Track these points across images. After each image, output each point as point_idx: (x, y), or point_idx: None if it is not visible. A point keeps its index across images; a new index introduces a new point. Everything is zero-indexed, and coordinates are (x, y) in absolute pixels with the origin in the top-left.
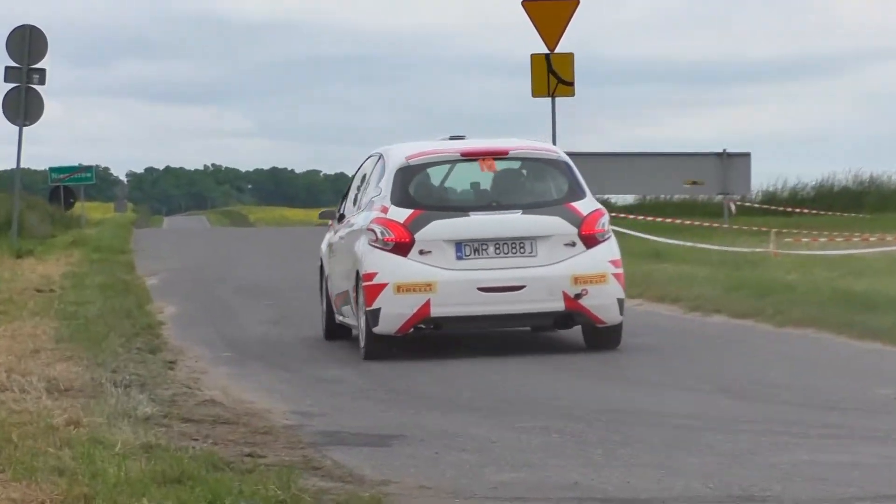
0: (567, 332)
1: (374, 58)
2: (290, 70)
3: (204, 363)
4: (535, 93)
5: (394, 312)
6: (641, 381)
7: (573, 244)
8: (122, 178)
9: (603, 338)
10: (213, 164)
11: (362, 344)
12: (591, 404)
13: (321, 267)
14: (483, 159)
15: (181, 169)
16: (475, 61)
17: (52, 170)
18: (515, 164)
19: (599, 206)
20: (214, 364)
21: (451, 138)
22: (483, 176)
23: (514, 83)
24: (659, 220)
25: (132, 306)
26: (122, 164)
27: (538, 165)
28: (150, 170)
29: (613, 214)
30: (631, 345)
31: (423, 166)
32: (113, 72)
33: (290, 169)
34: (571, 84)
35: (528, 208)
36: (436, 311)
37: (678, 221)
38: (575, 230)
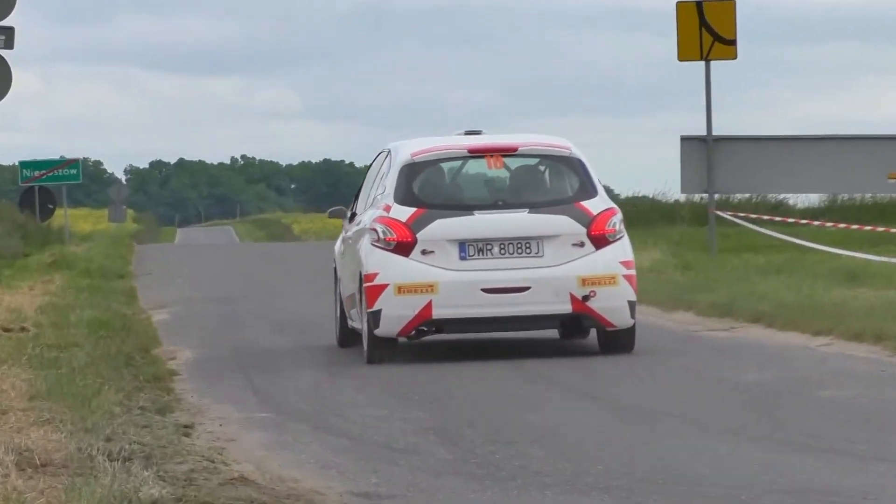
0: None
1: (465, 8)
2: (349, 27)
3: (231, 427)
4: (683, 55)
5: (395, 314)
6: (832, 450)
7: (582, 244)
8: (120, 175)
9: (615, 342)
10: (242, 157)
11: (365, 347)
12: (761, 484)
13: (335, 269)
14: (490, 156)
15: (200, 163)
16: (604, 13)
17: (24, 165)
18: (525, 161)
19: (612, 205)
20: (245, 428)
21: (467, 133)
22: (492, 173)
23: (657, 42)
24: (854, 227)
25: (133, 350)
26: (120, 157)
27: (548, 162)
28: (156, 164)
29: (793, 220)
30: (815, 400)
31: (428, 163)
32: (108, 31)
33: (347, 162)
34: (733, 43)
35: (536, 207)
36: (437, 313)
37: (881, 230)
38: (584, 230)
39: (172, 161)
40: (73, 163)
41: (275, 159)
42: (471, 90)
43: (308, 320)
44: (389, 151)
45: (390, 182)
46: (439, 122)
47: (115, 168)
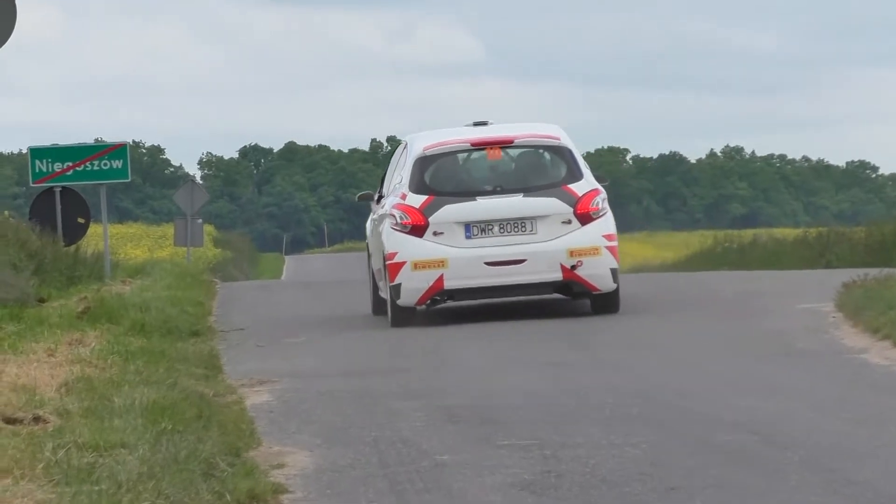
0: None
1: None
2: None
3: None
4: None
5: (412, 287)
6: None
7: (569, 222)
8: (193, 170)
9: (602, 305)
10: (390, 139)
11: (389, 315)
12: None
13: (367, 246)
14: (490, 148)
15: (321, 149)
16: None
17: (37, 153)
18: (520, 152)
19: (596, 186)
20: None
21: (475, 124)
22: (494, 163)
23: None
24: None
25: (216, 453)
26: (191, 140)
27: (540, 152)
28: (251, 152)
29: None
30: None
31: (438, 156)
32: None
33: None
34: None
35: (529, 191)
36: (448, 284)
37: None
38: (571, 209)
39: (276, 147)
40: (116, 149)
41: None
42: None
43: (492, 405)
44: (406, 144)
45: (406, 173)
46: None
47: (185, 158)
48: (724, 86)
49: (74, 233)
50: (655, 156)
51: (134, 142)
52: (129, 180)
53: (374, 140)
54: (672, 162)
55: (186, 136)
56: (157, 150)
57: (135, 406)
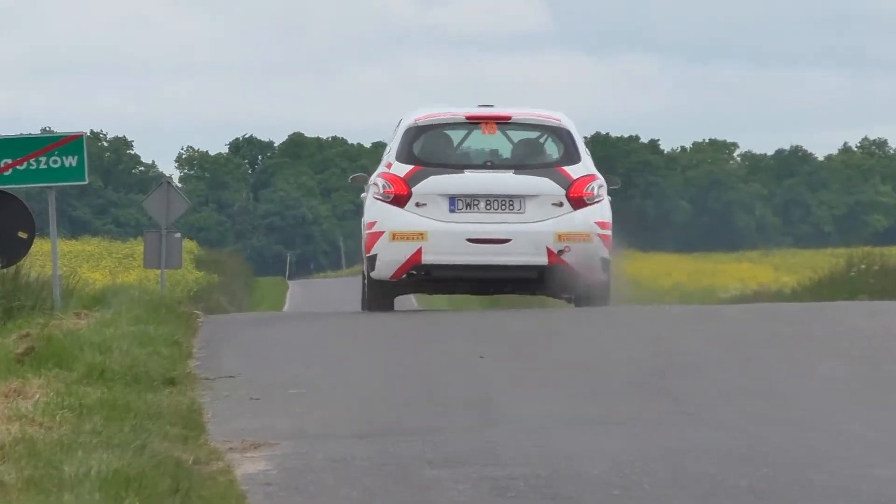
0: None
1: None
2: None
3: None
4: None
5: (388, 258)
6: None
7: (560, 204)
8: (168, 170)
9: (588, 298)
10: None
11: (363, 295)
12: None
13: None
14: (486, 123)
15: (337, 143)
16: None
17: None
18: (525, 133)
19: (593, 171)
20: None
21: (480, 107)
22: (487, 139)
23: None
24: None
25: None
26: (172, 131)
27: (538, 131)
28: (245, 146)
29: None
30: None
31: (429, 127)
32: None
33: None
34: None
35: (520, 168)
36: (426, 259)
37: None
38: (563, 191)
39: (278, 140)
40: (70, 142)
41: None
42: None
43: (557, 475)
44: (402, 118)
45: (395, 143)
46: None
47: (159, 154)
48: (863, 60)
49: (13, 250)
50: (771, 152)
51: (93, 132)
52: (86, 182)
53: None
54: (793, 160)
55: (161, 126)
56: (122, 144)
57: (91, 476)
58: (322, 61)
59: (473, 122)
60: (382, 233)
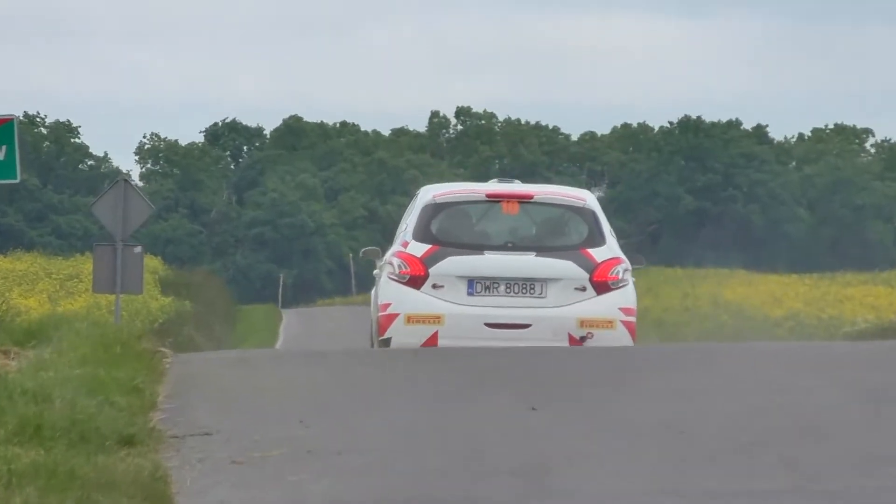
0: None
1: None
2: None
3: None
4: None
5: (403, 342)
6: None
7: (584, 289)
8: (129, 164)
9: None
10: (462, 110)
11: None
12: None
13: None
14: (507, 202)
15: (349, 129)
16: None
17: None
18: (549, 213)
19: (619, 254)
20: None
21: (500, 181)
22: (508, 219)
23: None
24: None
25: None
26: (131, 115)
27: (561, 211)
28: (230, 131)
29: None
30: None
31: (448, 205)
32: None
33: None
34: None
35: (542, 251)
36: (443, 343)
37: None
38: (587, 275)
39: (269, 125)
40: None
41: (552, 121)
42: None
43: None
44: (420, 193)
45: (412, 220)
46: None
47: (113, 144)
48: None
49: None
50: None
51: (27, 116)
52: (17, 181)
53: (434, 115)
54: None
55: (116, 107)
56: (65, 130)
57: None
58: (328, 22)
59: (494, 200)
60: (397, 315)
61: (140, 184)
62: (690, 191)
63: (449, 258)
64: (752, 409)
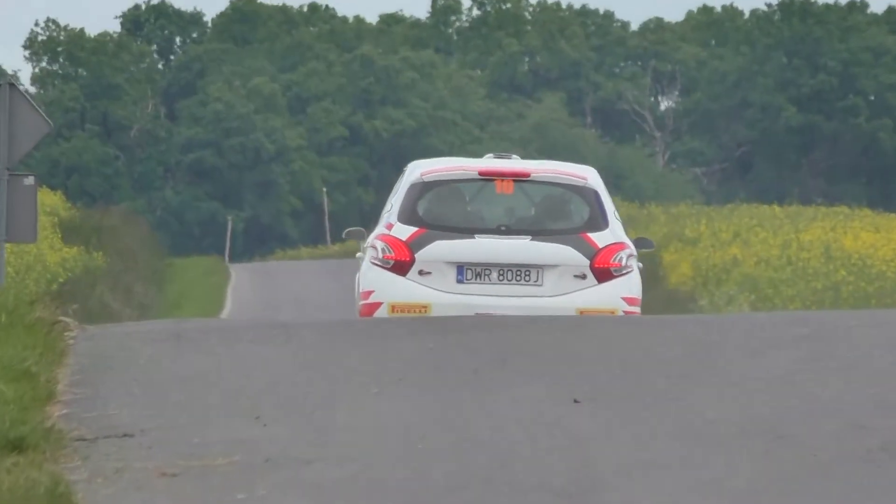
0: None
1: None
2: None
3: None
4: None
5: None
6: None
7: (584, 276)
8: (16, 60)
9: None
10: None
11: None
12: None
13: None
14: (501, 180)
15: (323, 13)
16: None
17: None
18: (539, 192)
19: (623, 239)
20: None
21: (496, 156)
22: (503, 199)
23: None
24: None
25: None
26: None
27: (560, 191)
28: (155, 15)
29: None
30: None
31: (436, 184)
32: None
33: None
34: None
35: (539, 235)
36: None
37: None
38: (587, 262)
39: (210, 11)
40: None
41: (604, 5)
42: None
43: None
44: (407, 170)
45: (397, 200)
46: None
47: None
48: None
49: None
50: None
51: None
52: None
53: None
54: None
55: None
56: None
57: None
58: None
59: (487, 179)
60: (380, 304)
61: (31, 89)
62: (794, 100)
63: (437, 242)
64: (880, 402)
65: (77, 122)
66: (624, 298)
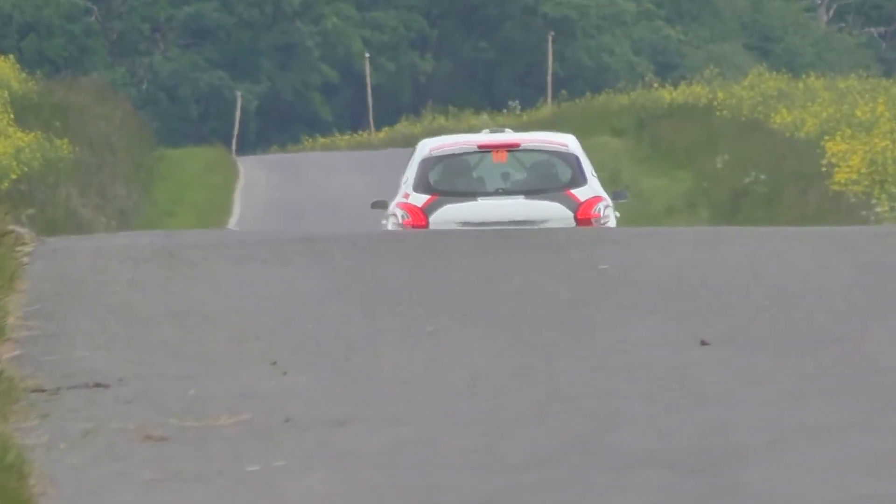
0: None
1: None
2: None
3: None
4: None
5: None
6: None
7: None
8: None
9: None
10: None
11: None
12: None
13: None
14: (496, 151)
15: None
16: None
17: None
18: (530, 158)
19: (600, 193)
20: None
21: (492, 132)
22: (499, 166)
23: None
24: None
25: None
26: None
27: (546, 156)
28: None
29: None
30: None
31: (444, 157)
32: None
33: None
34: None
35: (531, 194)
36: None
37: None
38: (571, 214)
39: None
40: None
41: None
42: None
43: None
44: (417, 147)
45: (412, 173)
46: None
47: None
48: None
49: None
50: None
51: None
52: None
53: None
54: None
55: None
56: None
57: None
58: None
59: (485, 150)
60: None
61: None
62: None
63: (446, 206)
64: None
65: None
66: None
